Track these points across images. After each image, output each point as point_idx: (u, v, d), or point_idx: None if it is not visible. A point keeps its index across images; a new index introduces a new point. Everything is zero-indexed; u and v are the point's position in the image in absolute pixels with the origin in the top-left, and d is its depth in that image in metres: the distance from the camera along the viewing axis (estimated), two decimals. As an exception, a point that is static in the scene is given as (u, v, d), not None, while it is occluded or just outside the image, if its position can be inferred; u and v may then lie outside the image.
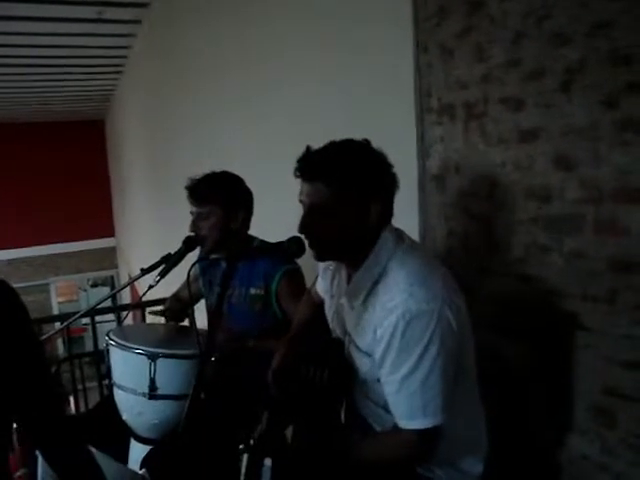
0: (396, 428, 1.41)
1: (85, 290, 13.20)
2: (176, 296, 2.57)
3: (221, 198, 2.18)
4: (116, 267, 12.31)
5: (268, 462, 1.23)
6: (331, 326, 1.71)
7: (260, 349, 2.06)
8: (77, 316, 2.23)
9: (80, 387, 3.65)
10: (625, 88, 1.34)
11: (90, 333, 3.47)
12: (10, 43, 5.93)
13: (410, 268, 1.42)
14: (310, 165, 1.44)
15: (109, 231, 12.07)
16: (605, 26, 1.36)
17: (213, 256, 2.19)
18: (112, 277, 12.75)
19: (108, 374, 2.09)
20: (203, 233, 2.19)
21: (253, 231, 2.30)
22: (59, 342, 10.52)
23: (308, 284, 2.09)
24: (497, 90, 1.65)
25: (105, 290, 12.66)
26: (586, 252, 1.47)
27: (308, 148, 1.47)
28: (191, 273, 2.50)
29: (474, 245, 1.81)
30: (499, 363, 1.70)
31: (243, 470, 1.26)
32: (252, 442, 1.28)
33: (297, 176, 1.47)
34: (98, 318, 3.53)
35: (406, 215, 1.94)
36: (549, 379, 1.61)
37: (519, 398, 1.68)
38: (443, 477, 1.50)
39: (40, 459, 1.51)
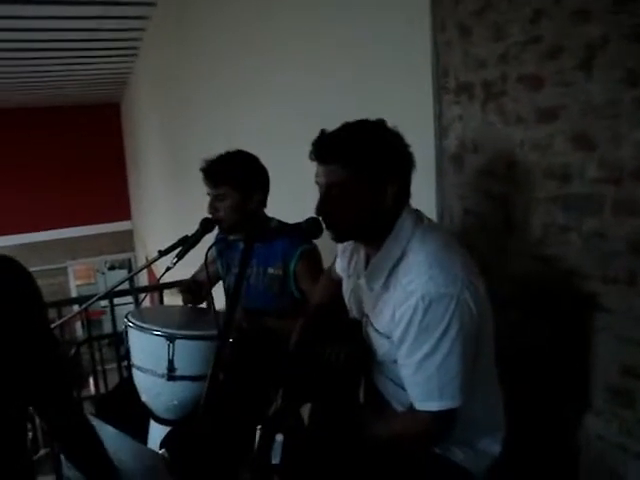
0: (412, 409, 1.41)
1: (103, 273, 13.31)
2: (194, 278, 2.57)
3: (236, 179, 2.17)
4: (133, 250, 12.39)
5: (280, 438, 1.23)
6: (348, 306, 1.71)
7: (278, 328, 2.06)
8: (95, 298, 2.25)
9: (99, 369, 3.69)
10: (647, 65, 1.32)
11: (108, 316, 3.51)
12: (24, 27, 5.92)
13: (430, 250, 1.42)
14: (325, 147, 1.44)
15: (126, 214, 12.14)
16: (628, 1, 1.33)
17: (231, 237, 2.19)
18: (129, 260, 12.84)
19: (127, 356, 2.11)
20: (220, 215, 2.19)
21: (270, 213, 2.30)
22: (78, 325, 10.66)
23: (326, 264, 2.10)
24: (516, 69, 1.63)
25: (123, 273, 12.74)
26: (605, 232, 1.45)
27: (323, 131, 1.46)
28: (208, 255, 2.54)
29: (492, 225, 1.80)
30: (517, 344, 1.69)
31: (255, 445, 1.27)
32: (266, 418, 1.29)
33: (312, 159, 1.46)
34: (116, 301, 3.56)
35: (423, 195, 1.93)
36: (567, 360, 1.60)
37: (537, 379, 1.68)
38: (461, 457, 1.50)
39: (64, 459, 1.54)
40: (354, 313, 1.67)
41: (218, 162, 2.20)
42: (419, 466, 1.44)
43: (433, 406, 1.37)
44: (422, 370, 1.36)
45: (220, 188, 2.18)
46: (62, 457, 1.50)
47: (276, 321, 2.12)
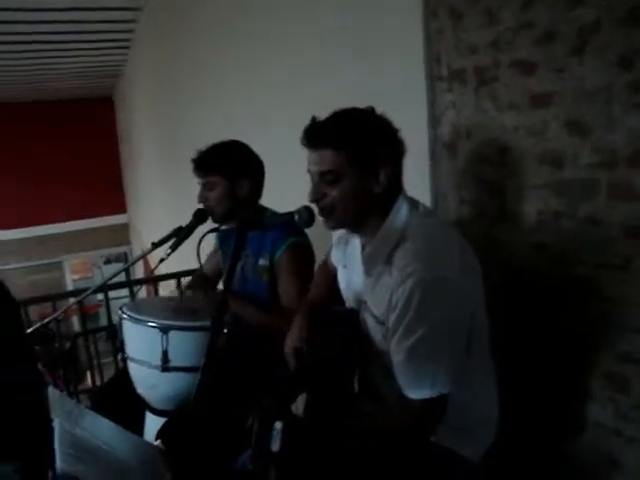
0: (402, 398, 1.40)
1: (99, 267, 13.26)
2: (200, 270, 2.56)
3: (224, 167, 2.15)
4: (129, 243, 12.35)
5: (279, 426, 1.23)
6: (344, 296, 1.71)
7: (238, 311, 2.05)
8: (90, 291, 2.24)
9: (95, 362, 3.69)
10: (639, 49, 1.31)
11: (105, 309, 3.50)
12: (14, 19, 5.87)
13: (429, 235, 1.43)
14: (316, 133, 1.44)
15: (122, 207, 12.09)
16: (619, -15, 1.33)
17: (223, 227, 2.18)
18: (125, 253, 12.80)
19: (122, 348, 2.11)
20: (211, 204, 2.18)
21: (266, 203, 2.29)
22: (75, 319, 10.63)
23: (319, 254, 2.09)
24: (508, 55, 1.63)
25: (119, 267, 12.69)
26: (600, 218, 1.45)
27: (314, 118, 1.47)
28: (212, 245, 2.53)
29: (486, 212, 1.80)
30: (512, 331, 1.69)
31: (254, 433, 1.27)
32: (263, 406, 1.29)
33: (304, 145, 1.47)
34: (112, 294, 3.55)
35: (418, 183, 1.93)
36: (563, 346, 1.60)
37: (532, 366, 1.68)
38: (456, 444, 1.50)
39: (56, 432, 1.53)
40: (350, 302, 1.67)
41: (207, 151, 2.19)
42: (415, 454, 1.44)
43: (425, 393, 1.36)
44: (415, 356, 1.35)
45: (208, 176, 2.17)
46: (56, 448, 1.49)
47: (237, 302, 2.10)
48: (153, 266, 2.45)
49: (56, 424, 1.58)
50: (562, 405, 1.62)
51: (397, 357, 1.39)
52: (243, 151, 2.24)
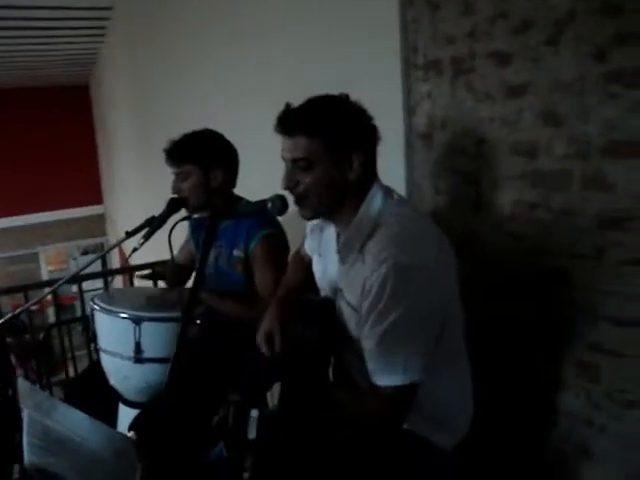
0: (373, 385, 1.39)
1: (75, 258, 13.12)
2: (171, 261, 2.54)
3: (197, 156, 2.14)
4: (105, 234, 12.24)
5: (255, 414, 1.22)
6: (320, 285, 1.70)
7: (212, 303, 2.05)
8: (62, 282, 2.20)
9: (69, 354, 3.65)
10: (614, 39, 1.32)
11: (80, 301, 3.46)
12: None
13: (402, 223, 1.42)
14: (289, 119, 1.43)
15: (97, 198, 11.95)
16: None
17: (195, 216, 2.16)
18: (102, 244, 12.68)
19: (94, 339, 2.09)
20: (184, 194, 2.16)
21: (243, 193, 2.27)
22: (50, 310, 10.52)
23: (293, 244, 2.08)
24: (484, 45, 1.63)
25: (94, 256, 12.57)
26: (573, 208, 1.46)
27: (287, 104, 1.46)
28: (185, 234, 2.51)
29: (461, 203, 1.80)
30: (486, 321, 1.70)
31: (230, 421, 1.26)
32: (237, 396, 1.28)
33: (278, 131, 1.46)
34: (88, 285, 3.51)
35: (393, 173, 1.93)
36: (536, 336, 1.61)
37: (506, 356, 1.69)
38: (430, 433, 1.50)
39: (25, 423, 1.51)
40: (326, 291, 1.67)
41: (180, 140, 2.18)
42: (388, 441, 1.44)
43: (396, 380, 1.35)
44: (387, 341, 1.35)
45: (181, 166, 2.15)
46: (24, 443, 1.46)
47: (211, 296, 2.09)
48: (128, 256, 2.42)
49: (25, 415, 1.56)
50: (536, 394, 1.64)
51: (369, 342, 1.39)
52: (216, 140, 2.22)
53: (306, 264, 1.80)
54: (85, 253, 13.12)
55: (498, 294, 1.69)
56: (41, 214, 11.33)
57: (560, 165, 1.48)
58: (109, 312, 2.01)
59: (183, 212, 2.19)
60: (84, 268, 2.29)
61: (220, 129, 2.27)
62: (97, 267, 9.15)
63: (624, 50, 1.30)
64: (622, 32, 1.30)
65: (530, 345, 1.63)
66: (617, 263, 1.38)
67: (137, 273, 3.30)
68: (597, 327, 1.45)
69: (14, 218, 11.08)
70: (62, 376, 4.08)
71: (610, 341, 1.42)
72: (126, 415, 2.08)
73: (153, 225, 2.10)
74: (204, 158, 2.14)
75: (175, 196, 2.18)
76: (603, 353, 1.44)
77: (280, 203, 1.50)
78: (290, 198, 1.49)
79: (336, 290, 1.57)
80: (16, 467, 1.55)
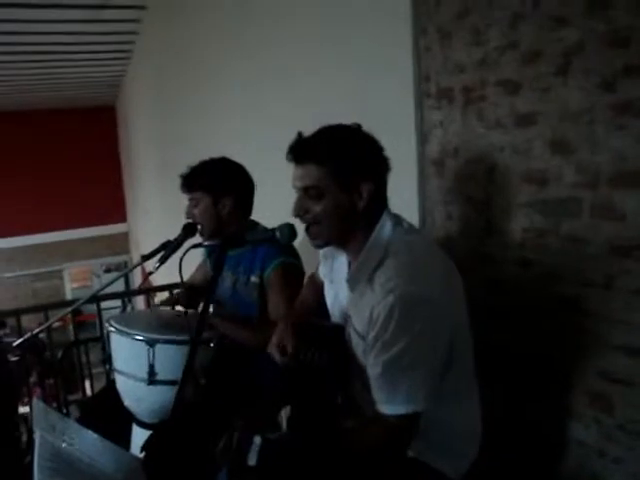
0: (376, 415, 1.40)
1: (98, 276, 13.25)
2: (189, 284, 2.57)
3: (206, 184, 2.18)
4: (129, 252, 12.37)
5: (258, 440, 1.23)
6: (331, 311, 1.71)
7: (221, 329, 2.06)
8: (80, 302, 2.25)
9: (87, 372, 3.68)
10: (622, 71, 1.33)
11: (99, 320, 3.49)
12: (18, 30, 5.92)
13: (411, 252, 1.43)
14: (301, 148, 1.46)
15: (121, 217, 12.11)
16: (603, 7, 1.34)
17: (206, 243, 2.19)
18: (125, 262, 12.80)
19: (109, 360, 2.11)
20: (197, 220, 2.20)
21: (262, 220, 2.29)
22: (71, 328, 10.61)
23: (308, 269, 2.09)
24: (494, 73, 1.64)
25: (122, 276, 12.67)
26: (583, 236, 1.46)
27: (299, 133, 1.49)
28: (201, 259, 2.54)
29: (472, 229, 1.80)
30: (496, 349, 1.69)
31: (233, 447, 1.27)
32: (241, 421, 1.29)
33: (289, 160, 1.48)
34: (110, 304, 3.54)
35: (406, 200, 1.95)
36: (546, 364, 1.60)
37: (516, 384, 1.68)
38: (437, 461, 1.49)
39: (37, 445, 1.53)
40: (336, 317, 1.68)
41: (194, 168, 2.22)
42: (395, 471, 1.44)
43: (399, 409, 1.36)
44: (391, 370, 1.35)
45: (192, 193, 2.21)
46: (35, 464, 1.49)
47: (222, 321, 2.10)
48: (151, 278, 2.46)
49: (37, 437, 1.58)
50: (546, 425, 1.62)
51: (374, 370, 1.39)
52: (228, 168, 2.25)
53: (319, 287, 1.81)
54: (108, 271, 13.25)
55: (508, 320, 1.69)
56: (66, 232, 11.50)
57: (570, 193, 1.48)
58: (124, 334, 2.03)
59: (198, 236, 2.22)
60: (102, 289, 2.33)
61: (240, 157, 2.30)
62: (120, 285, 9.25)
63: (632, 81, 1.31)
64: (630, 63, 1.31)
65: (540, 373, 1.62)
66: (627, 291, 1.37)
67: (157, 299, 3.33)
68: (608, 356, 1.44)
69: (39, 235, 11.26)
70: (81, 394, 4.12)
71: (621, 370, 1.41)
72: (139, 436, 2.09)
73: (168, 249, 2.14)
74: (213, 186, 2.18)
75: (190, 221, 2.22)
76: (614, 383, 1.43)
77: (288, 231, 1.52)
78: (300, 226, 1.51)
79: (346, 317, 1.58)
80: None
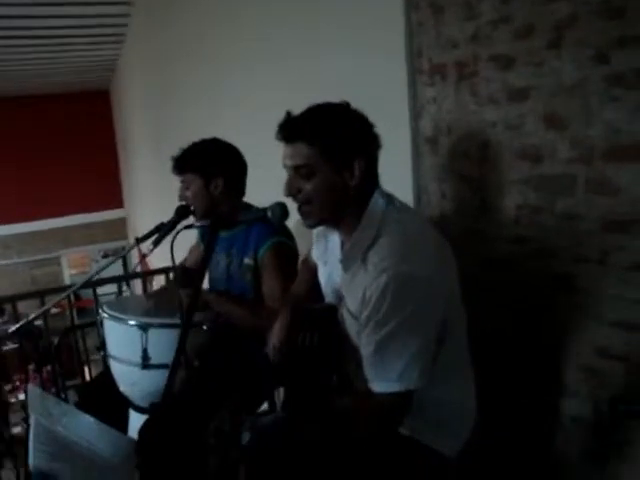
0: (369, 392, 1.39)
1: (97, 261, 13.26)
2: (183, 266, 2.56)
3: (196, 165, 2.17)
4: (126, 238, 12.36)
5: (248, 421, 1.23)
6: (324, 292, 1.71)
7: (216, 306, 2.07)
8: (74, 287, 2.24)
9: (84, 358, 3.68)
10: (616, 42, 1.30)
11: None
12: (10, 14, 5.86)
13: (403, 231, 1.42)
14: (290, 127, 1.45)
15: (118, 202, 12.08)
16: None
17: (197, 224, 2.18)
18: (123, 248, 12.77)
19: (103, 345, 2.11)
20: (189, 202, 2.20)
21: (259, 203, 2.26)
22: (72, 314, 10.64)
23: (301, 250, 2.08)
24: (487, 48, 1.62)
25: (117, 261, 12.67)
26: (577, 212, 1.45)
27: (288, 113, 1.47)
28: (194, 240, 2.53)
29: (466, 207, 1.79)
30: (491, 326, 1.69)
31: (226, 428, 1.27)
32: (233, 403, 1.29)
33: (279, 139, 1.47)
34: (108, 289, 3.54)
35: (400, 177, 1.93)
36: (541, 341, 1.60)
37: (510, 361, 1.67)
38: (432, 439, 1.49)
39: (32, 429, 1.53)
40: (330, 298, 1.67)
41: (185, 150, 2.21)
42: (389, 449, 1.44)
43: (392, 387, 1.35)
44: (384, 349, 1.35)
45: (183, 174, 2.20)
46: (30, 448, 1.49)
47: (217, 297, 2.12)
48: (149, 261, 2.46)
49: (32, 421, 1.58)
50: (541, 402, 1.62)
51: (367, 349, 1.39)
52: (219, 149, 2.24)
53: (313, 272, 1.80)
54: (106, 256, 13.24)
55: (502, 297, 1.68)
56: (63, 218, 11.47)
57: (564, 169, 1.46)
58: (117, 319, 2.03)
59: (192, 219, 2.21)
60: (96, 274, 2.32)
61: (233, 137, 2.28)
62: (119, 270, 9.24)
63: (626, 53, 1.29)
64: (624, 35, 1.28)
65: (535, 350, 1.61)
66: (621, 267, 1.36)
67: (155, 283, 3.33)
68: (603, 332, 1.43)
69: (37, 222, 11.24)
70: (79, 380, 4.13)
71: (615, 346, 1.41)
72: (137, 420, 2.10)
73: (161, 231, 2.12)
74: (204, 167, 2.17)
75: (183, 203, 2.20)
76: (609, 359, 1.43)
77: (280, 211, 1.51)
78: (292, 206, 1.50)
79: (339, 298, 1.57)
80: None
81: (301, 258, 2.06)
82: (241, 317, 2.05)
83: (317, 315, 1.63)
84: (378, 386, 1.38)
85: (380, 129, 1.50)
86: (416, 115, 1.92)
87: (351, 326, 1.49)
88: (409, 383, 1.35)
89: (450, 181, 1.84)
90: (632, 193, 1.32)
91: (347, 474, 1.39)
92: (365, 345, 1.39)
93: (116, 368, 2.11)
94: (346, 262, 1.49)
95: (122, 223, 12.24)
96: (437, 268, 1.38)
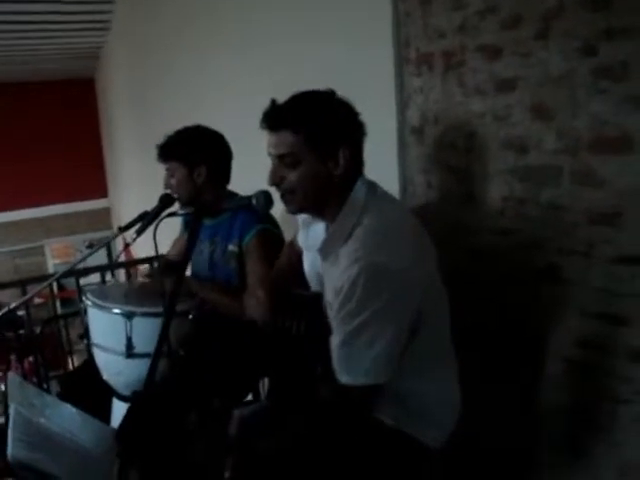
0: (335, 381, 1.38)
1: (81, 251, 13.16)
2: (167, 258, 2.55)
3: (180, 153, 2.16)
4: (111, 228, 12.27)
5: (236, 413, 1.22)
6: (309, 278, 1.70)
7: (200, 293, 2.09)
8: (56, 276, 2.21)
9: (67, 347, 3.66)
10: (603, 34, 1.30)
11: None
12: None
13: (383, 219, 1.41)
14: (275, 115, 1.43)
15: (103, 192, 11.99)
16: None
17: (181, 212, 2.16)
18: (108, 237, 12.72)
19: (86, 334, 2.09)
20: (174, 190, 2.18)
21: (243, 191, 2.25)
22: (56, 303, 10.56)
23: (287, 237, 2.08)
24: (474, 39, 1.61)
25: (101, 251, 12.60)
26: (562, 204, 1.45)
27: (273, 100, 1.45)
28: (180, 231, 2.52)
29: (452, 198, 1.79)
30: (474, 317, 1.69)
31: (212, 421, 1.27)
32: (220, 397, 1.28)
33: (263, 127, 1.45)
34: (92, 279, 3.49)
35: (386, 168, 1.92)
36: (525, 333, 1.60)
37: (495, 353, 1.68)
38: (414, 430, 1.49)
39: (11, 419, 1.51)
40: (314, 285, 1.67)
41: (169, 138, 2.20)
42: (372, 439, 1.44)
43: (358, 380, 1.35)
44: (353, 341, 1.33)
45: (168, 162, 2.19)
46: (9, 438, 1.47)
47: (200, 285, 2.12)
48: (134, 251, 2.44)
49: (12, 410, 1.56)
50: (525, 392, 1.62)
51: (335, 339, 1.37)
52: (202, 137, 2.22)
53: (298, 254, 1.79)
54: (90, 246, 13.14)
55: (487, 288, 1.68)
56: (47, 207, 11.37)
57: (550, 160, 1.46)
58: (101, 307, 2.01)
59: (176, 207, 2.19)
60: (78, 263, 2.30)
61: (218, 125, 2.26)
62: (103, 259, 9.18)
63: (613, 44, 1.28)
64: (611, 26, 1.28)
65: (519, 341, 1.62)
66: (606, 259, 1.37)
67: (140, 270, 3.31)
68: (586, 324, 1.44)
69: (20, 212, 11.13)
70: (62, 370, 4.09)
71: (599, 338, 1.41)
72: (120, 409, 2.09)
73: (145, 220, 2.10)
74: (187, 155, 2.15)
75: (168, 191, 2.19)
76: (592, 350, 1.43)
77: (264, 199, 1.50)
78: (277, 194, 1.49)
79: (322, 285, 1.56)
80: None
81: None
82: (226, 305, 2.04)
83: (304, 301, 1.63)
84: (344, 378, 1.36)
85: (366, 119, 1.48)
86: (403, 105, 1.91)
87: (330, 314, 1.48)
88: (377, 377, 1.35)
89: (436, 172, 1.83)
90: (617, 185, 1.32)
91: (332, 464, 1.39)
92: (334, 336, 1.38)
93: (100, 357, 2.09)
94: (325, 250, 1.48)
95: (106, 213, 12.16)
96: (414, 258, 1.36)
